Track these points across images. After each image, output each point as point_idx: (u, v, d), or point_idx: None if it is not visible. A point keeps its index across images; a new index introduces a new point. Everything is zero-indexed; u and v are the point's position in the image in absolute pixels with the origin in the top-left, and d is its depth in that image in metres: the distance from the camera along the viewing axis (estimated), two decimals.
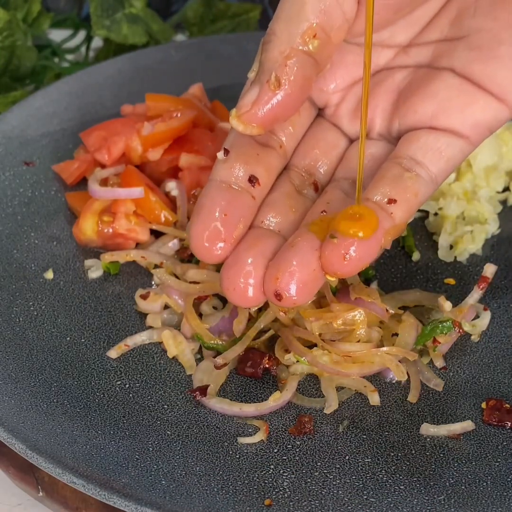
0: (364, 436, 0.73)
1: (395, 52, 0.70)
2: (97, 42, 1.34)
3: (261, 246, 0.65)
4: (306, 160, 0.71)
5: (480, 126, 0.66)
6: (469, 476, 0.70)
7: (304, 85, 0.62)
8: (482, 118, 0.66)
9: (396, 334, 0.80)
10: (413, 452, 0.72)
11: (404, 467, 0.71)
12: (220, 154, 0.66)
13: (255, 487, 0.69)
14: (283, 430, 0.74)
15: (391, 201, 0.64)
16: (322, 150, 0.71)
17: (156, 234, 0.91)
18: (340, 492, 0.69)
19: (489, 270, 0.83)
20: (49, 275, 0.87)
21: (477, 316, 0.82)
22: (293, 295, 0.62)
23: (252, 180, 0.66)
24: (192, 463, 0.70)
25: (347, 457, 0.71)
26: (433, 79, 0.67)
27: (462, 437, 0.73)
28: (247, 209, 0.66)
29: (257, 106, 0.60)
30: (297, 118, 0.70)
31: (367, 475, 0.70)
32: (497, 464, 0.71)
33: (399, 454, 0.72)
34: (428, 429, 0.73)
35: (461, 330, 0.79)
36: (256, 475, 0.70)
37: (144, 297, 0.84)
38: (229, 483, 0.69)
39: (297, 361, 0.77)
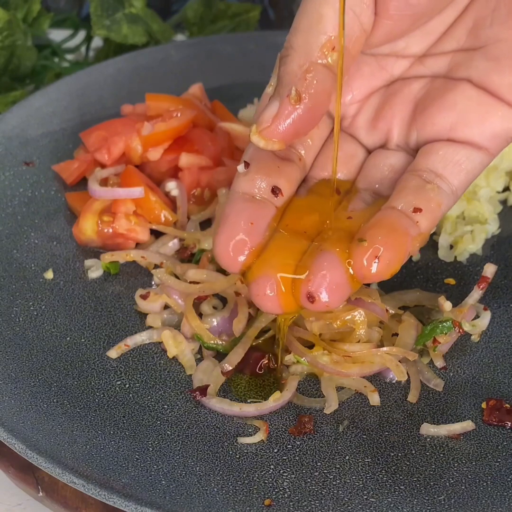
0: (364, 436, 0.73)
1: (411, 63, 0.70)
2: (97, 42, 1.34)
3: (288, 250, 0.65)
4: (325, 172, 0.71)
5: (499, 138, 0.66)
6: (469, 476, 0.70)
7: (324, 98, 0.62)
8: (501, 130, 0.66)
9: (396, 334, 0.80)
10: (413, 452, 0.72)
11: (404, 467, 0.71)
12: (240, 167, 0.66)
13: (255, 487, 0.69)
14: (283, 430, 0.74)
15: (417, 210, 0.64)
16: (341, 161, 0.71)
17: (156, 234, 0.91)
18: (340, 492, 0.69)
19: (489, 270, 0.83)
20: (49, 275, 0.87)
21: (477, 316, 0.82)
22: (326, 297, 0.63)
23: (275, 190, 0.67)
24: (192, 463, 0.70)
25: (347, 457, 0.71)
26: (451, 90, 0.67)
27: (462, 437, 0.73)
28: (272, 219, 0.66)
29: (277, 121, 0.60)
30: (315, 131, 0.70)
31: (367, 475, 0.70)
32: (497, 464, 0.71)
33: (399, 454, 0.72)
34: (428, 429, 0.73)
35: (461, 330, 0.79)
36: (256, 475, 0.70)
37: (144, 297, 0.84)
38: (229, 483, 0.69)
39: (297, 361, 0.77)
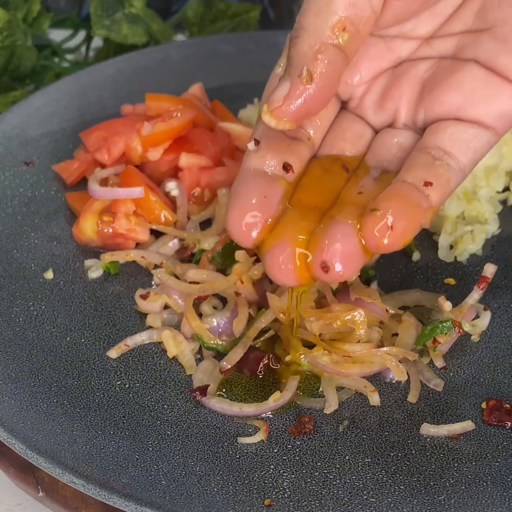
0: (364, 436, 0.73)
1: (418, 44, 0.70)
2: (97, 42, 1.34)
3: (301, 223, 0.65)
4: (333, 151, 0.71)
5: (506, 117, 0.66)
6: (469, 476, 0.70)
7: (335, 79, 0.62)
8: (508, 109, 0.66)
9: (396, 334, 0.80)
10: (413, 452, 0.72)
11: (404, 467, 0.71)
12: (251, 145, 0.66)
13: (255, 487, 0.69)
14: (283, 430, 0.74)
15: (427, 183, 0.64)
16: (349, 141, 0.71)
17: (156, 234, 0.91)
18: (340, 492, 0.69)
19: (489, 270, 0.83)
20: (49, 275, 0.87)
21: (477, 316, 0.82)
22: (339, 267, 0.62)
23: (287, 167, 0.67)
24: (192, 463, 0.70)
25: (347, 457, 0.71)
26: (459, 70, 0.67)
27: (462, 437, 0.73)
28: (283, 194, 0.66)
29: (289, 101, 0.61)
30: (323, 111, 0.70)
31: (367, 475, 0.70)
32: (497, 464, 0.71)
33: (399, 454, 0.72)
34: (428, 429, 0.73)
35: (461, 330, 0.79)
36: (256, 475, 0.70)
37: (144, 297, 0.84)
38: (229, 483, 0.69)
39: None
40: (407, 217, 0.62)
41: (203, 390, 0.75)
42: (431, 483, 0.69)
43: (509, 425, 0.74)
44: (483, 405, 0.75)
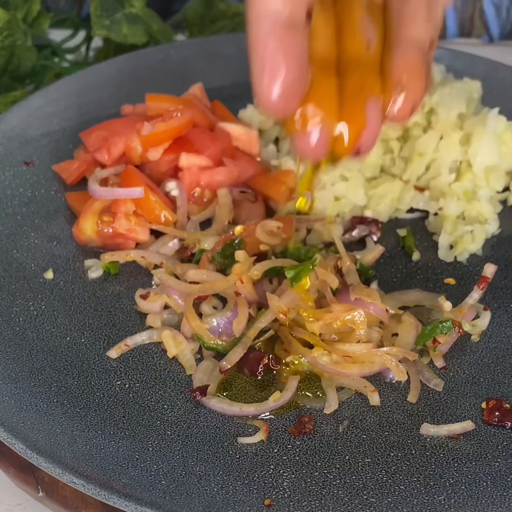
0: (364, 436, 0.73)
1: None
2: (97, 42, 1.34)
3: (324, 90, 0.63)
4: None
5: None
6: (469, 476, 0.70)
7: None
8: None
9: (396, 334, 0.80)
10: (413, 452, 0.72)
11: (404, 467, 0.71)
12: None
13: (255, 487, 0.69)
14: (283, 430, 0.74)
15: (431, 46, 0.64)
16: None
17: (156, 234, 0.91)
18: (340, 492, 0.69)
19: (489, 270, 0.83)
20: (49, 275, 0.87)
21: (477, 316, 0.82)
22: (368, 146, 0.63)
23: (310, 13, 0.60)
24: (192, 463, 0.70)
25: (347, 457, 0.71)
26: None
27: (462, 437, 0.73)
28: (305, 52, 0.60)
29: None
30: None
31: (367, 475, 0.70)
32: (497, 464, 0.71)
33: (399, 454, 0.72)
34: (428, 429, 0.73)
35: (461, 330, 0.79)
36: (256, 475, 0.70)
37: (144, 297, 0.84)
38: (229, 483, 0.69)
39: (297, 362, 0.77)
40: (423, 91, 0.63)
41: (203, 390, 0.75)
42: (431, 483, 0.69)
43: (509, 425, 0.74)
44: (483, 405, 0.75)
